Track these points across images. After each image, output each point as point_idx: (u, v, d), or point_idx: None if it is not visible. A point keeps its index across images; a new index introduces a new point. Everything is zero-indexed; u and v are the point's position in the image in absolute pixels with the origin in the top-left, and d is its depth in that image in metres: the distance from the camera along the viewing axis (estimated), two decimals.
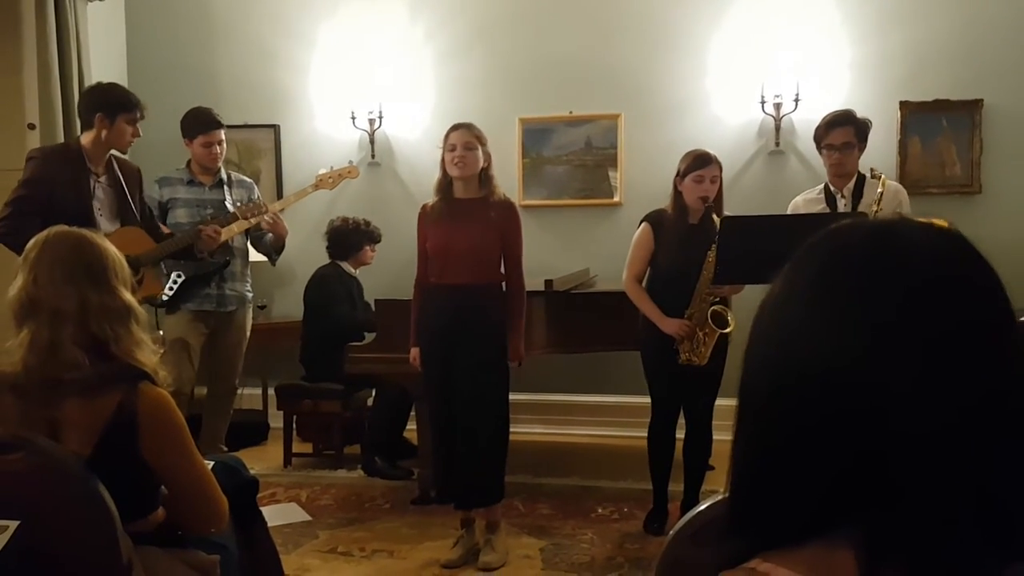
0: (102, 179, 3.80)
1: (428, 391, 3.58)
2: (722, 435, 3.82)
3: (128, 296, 1.96)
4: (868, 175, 3.62)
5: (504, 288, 3.53)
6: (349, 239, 4.99)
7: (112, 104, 3.73)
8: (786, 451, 0.70)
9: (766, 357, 0.74)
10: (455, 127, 3.46)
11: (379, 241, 5.08)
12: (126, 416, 1.82)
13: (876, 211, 3.44)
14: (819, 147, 3.78)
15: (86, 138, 3.77)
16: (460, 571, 3.46)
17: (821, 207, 3.74)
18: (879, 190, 3.47)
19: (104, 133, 3.72)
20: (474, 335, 3.41)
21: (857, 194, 3.68)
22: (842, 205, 3.69)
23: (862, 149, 3.75)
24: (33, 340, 1.84)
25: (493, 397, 3.46)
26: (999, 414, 0.66)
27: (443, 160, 3.46)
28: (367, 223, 5.04)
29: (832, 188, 3.75)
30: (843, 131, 3.69)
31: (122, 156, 3.90)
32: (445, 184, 3.47)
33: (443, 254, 3.45)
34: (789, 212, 3.89)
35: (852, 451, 0.67)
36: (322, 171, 4.36)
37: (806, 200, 3.86)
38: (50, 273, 1.88)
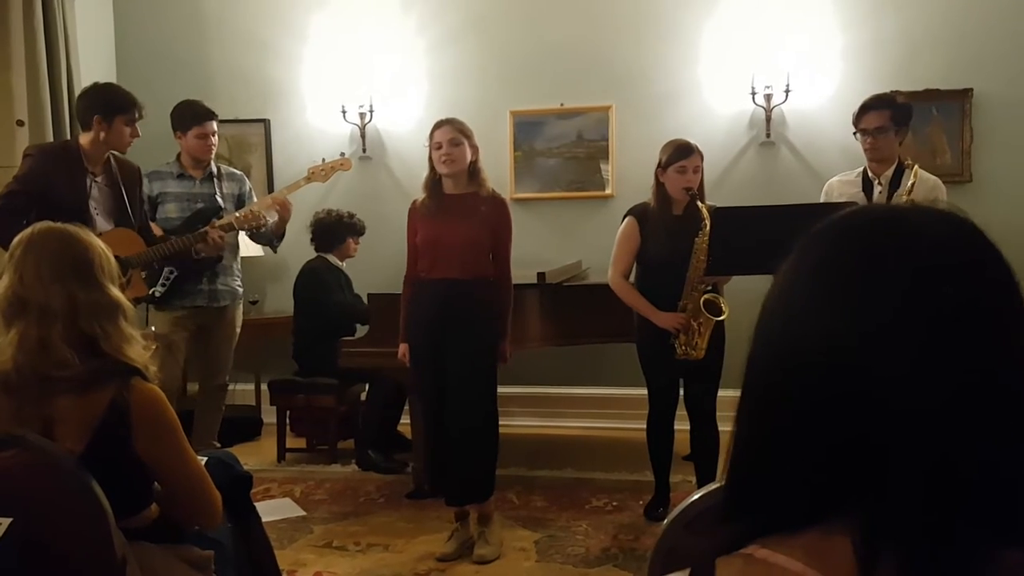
0: (99, 179, 3.80)
1: (418, 386, 3.59)
2: (726, 426, 3.85)
3: (116, 292, 1.94)
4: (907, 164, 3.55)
5: (492, 283, 3.53)
6: (332, 231, 4.98)
7: (109, 106, 3.73)
8: (786, 435, 0.70)
9: (770, 344, 0.74)
10: (439, 124, 3.45)
11: (363, 233, 5.08)
12: (119, 412, 1.81)
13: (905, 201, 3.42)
14: (855, 132, 3.65)
15: (84, 138, 3.77)
16: (455, 564, 3.46)
17: (856, 191, 3.65)
18: (911, 181, 3.42)
19: (103, 135, 3.72)
20: (463, 329, 3.41)
21: (895, 182, 3.57)
22: (878, 192, 3.60)
23: (901, 133, 3.62)
24: (22, 339, 1.83)
25: (482, 392, 3.46)
26: (998, 399, 0.66)
27: (431, 157, 3.45)
28: (350, 215, 5.04)
29: (870, 174, 3.66)
30: (877, 115, 3.57)
31: (121, 157, 3.89)
32: (434, 181, 3.47)
33: (433, 248, 3.45)
34: (824, 192, 3.83)
35: (851, 435, 0.67)
36: (314, 164, 4.34)
37: (841, 182, 3.78)
38: (36, 271, 1.86)
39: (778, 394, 0.71)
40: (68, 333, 1.83)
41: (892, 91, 4.69)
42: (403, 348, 3.57)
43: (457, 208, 3.44)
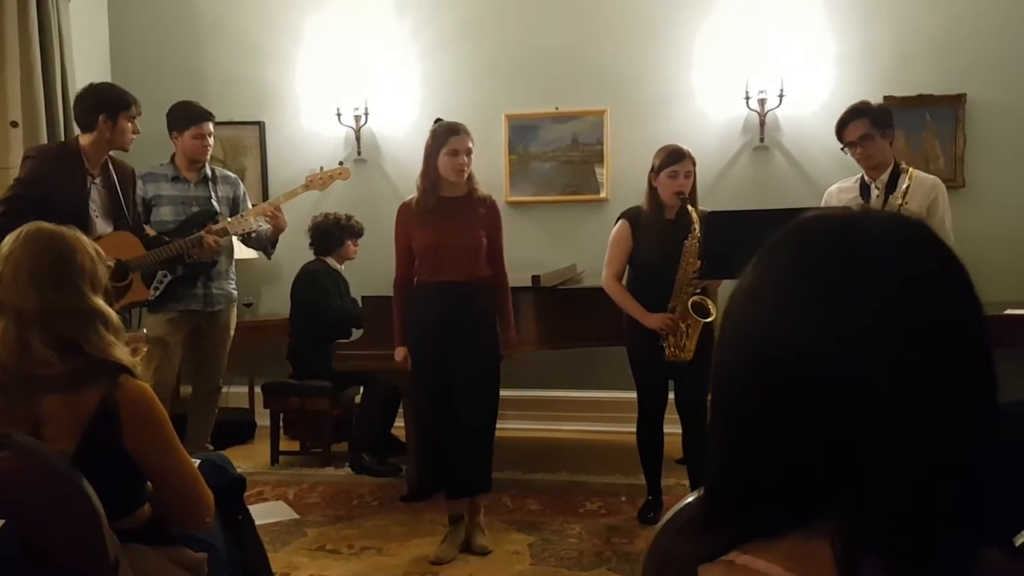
0: (97, 180, 3.80)
1: (418, 387, 3.58)
2: None
3: (96, 300, 1.91)
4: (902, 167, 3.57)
5: (490, 283, 3.55)
6: (331, 234, 4.99)
7: (113, 104, 3.74)
8: (760, 442, 0.70)
9: (739, 349, 0.74)
10: (455, 131, 3.44)
11: (361, 235, 5.09)
12: (109, 410, 1.80)
13: (901, 205, 3.44)
14: (842, 148, 3.67)
15: (85, 139, 3.76)
16: (449, 566, 3.45)
17: (853, 196, 3.68)
18: (904, 184, 3.46)
19: (108, 134, 3.73)
20: (469, 329, 3.45)
21: (891, 186, 3.58)
22: (875, 197, 3.62)
23: (887, 135, 3.62)
24: (3, 337, 1.82)
25: (488, 389, 3.53)
26: (970, 401, 0.67)
27: (434, 159, 3.43)
28: (348, 218, 5.05)
29: (867, 179, 3.68)
30: (857, 125, 3.59)
31: (117, 158, 3.90)
32: (434, 182, 3.47)
33: (434, 252, 3.46)
34: (824, 201, 3.85)
35: (825, 440, 0.67)
36: (312, 172, 4.33)
37: (840, 189, 3.80)
38: (15, 272, 1.85)
39: (750, 398, 0.71)
40: (45, 336, 1.82)
41: (885, 96, 4.74)
42: (402, 351, 3.57)
43: (456, 211, 3.46)
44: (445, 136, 3.43)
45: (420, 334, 3.51)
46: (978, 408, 0.67)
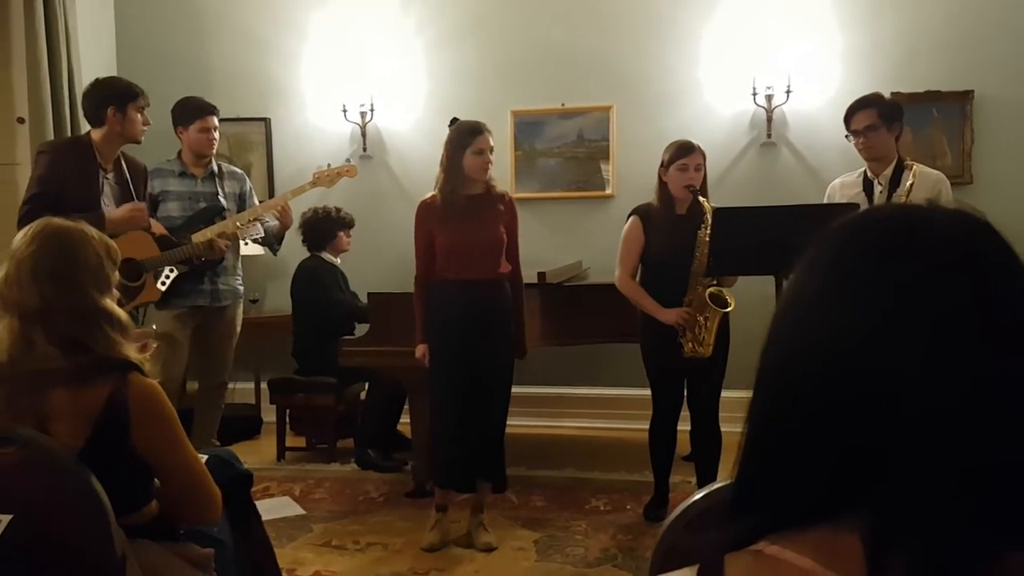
0: (110, 175, 3.81)
1: (443, 385, 3.54)
2: (728, 427, 3.82)
3: (100, 299, 1.89)
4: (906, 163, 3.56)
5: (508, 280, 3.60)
6: (322, 228, 4.98)
7: (121, 96, 3.76)
8: (796, 434, 0.70)
9: (781, 339, 0.74)
10: (479, 131, 3.46)
11: (352, 226, 5.08)
12: (117, 407, 1.80)
13: (905, 201, 3.42)
14: (847, 135, 3.68)
15: (97, 134, 3.77)
16: (455, 563, 3.46)
17: (857, 191, 3.67)
18: (909, 181, 3.45)
19: (119, 127, 3.74)
20: (493, 326, 3.49)
21: (895, 181, 3.57)
22: (878, 192, 3.61)
23: (894, 130, 3.63)
24: (8, 334, 1.83)
25: (509, 385, 3.61)
26: (1006, 400, 0.66)
27: (459, 158, 3.43)
28: (338, 210, 5.04)
29: (870, 174, 3.67)
30: (864, 114, 3.60)
31: (129, 155, 3.91)
32: (458, 181, 3.46)
33: (458, 250, 3.46)
34: (827, 195, 3.86)
35: (858, 434, 0.67)
36: (319, 169, 4.34)
37: (843, 183, 3.80)
38: (18, 268, 1.84)
39: (789, 392, 0.71)
40: (49, 334, 1.81)
41: (892, 92, 4.71)
42: (422, 349, 3.57)
43: (477, 208, 3.48)
44: (471, 136, 3.45)
45: (444, 331, 3.51)
46: (1013, 405, 0.66)
